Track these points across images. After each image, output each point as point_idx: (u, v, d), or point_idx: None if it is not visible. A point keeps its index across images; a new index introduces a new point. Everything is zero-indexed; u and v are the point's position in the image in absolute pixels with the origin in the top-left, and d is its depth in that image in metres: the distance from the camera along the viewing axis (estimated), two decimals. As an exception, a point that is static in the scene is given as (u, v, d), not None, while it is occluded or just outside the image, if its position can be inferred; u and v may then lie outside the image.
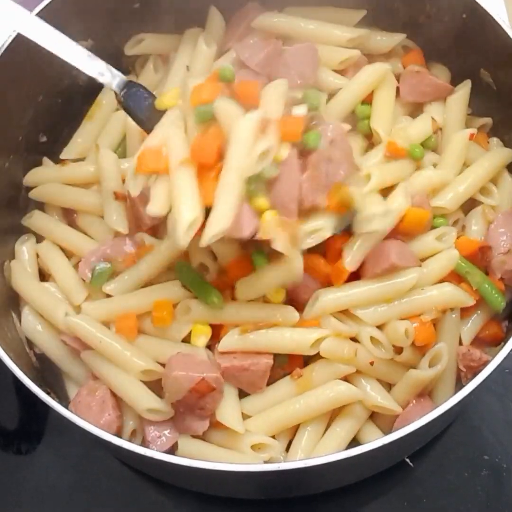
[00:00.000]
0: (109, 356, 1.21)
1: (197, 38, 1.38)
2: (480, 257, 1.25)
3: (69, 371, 1.29)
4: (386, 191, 1.24)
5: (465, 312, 1.23)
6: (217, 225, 1.06)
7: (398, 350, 1.20)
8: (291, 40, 1.38)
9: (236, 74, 1.27)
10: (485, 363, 1.07)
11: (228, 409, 1.18)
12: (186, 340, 1.22)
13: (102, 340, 1.21)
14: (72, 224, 1.37)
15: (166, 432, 1.19)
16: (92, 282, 1.27)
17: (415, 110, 1.39)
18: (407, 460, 1.32)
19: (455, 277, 1.23)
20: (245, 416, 1.19)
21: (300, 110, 1.15)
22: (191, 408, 1.16)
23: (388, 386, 1.23)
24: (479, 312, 1.25)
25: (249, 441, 1.16)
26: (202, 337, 1.20)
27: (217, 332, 1.22)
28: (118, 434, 1.20)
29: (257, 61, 1.33)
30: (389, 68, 1.35)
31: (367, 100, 1.34)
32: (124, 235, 1.30)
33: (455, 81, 1.40)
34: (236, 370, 1.18)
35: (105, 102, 1.44)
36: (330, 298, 1.19)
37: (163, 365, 1.20)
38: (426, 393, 1.22)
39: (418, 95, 1.38)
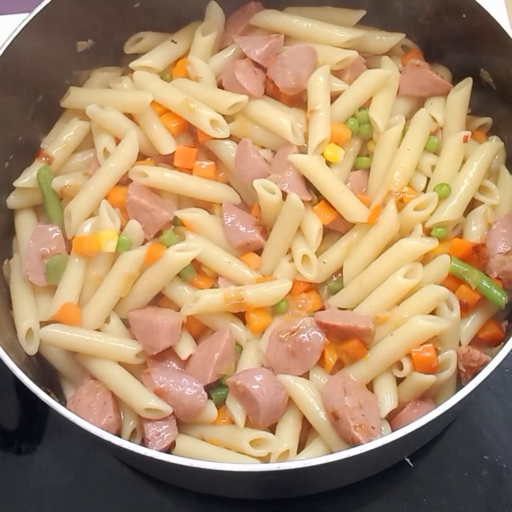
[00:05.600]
0: (100, 351, 1.21)
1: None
2: (475, 257, 1.25)
3: (65, 371, 1.29)
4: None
5: (464, 312, 1.23)
6: None
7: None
8: (290, 40, 1.39)
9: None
10: (485, 364, 1.08)
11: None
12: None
13: (88, 339, 1.22)
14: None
15: (165, 430, 1.19)
16: (50, 278, 1.27)
17: (416, 106, 1.39)
18: (407, 460, 1.32)
19: (453, 279, 1.23)
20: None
21: None
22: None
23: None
24: (478, 312, 1.25)
25: (248, 437, 1.16)
26: (111, 242, 1.23)
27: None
28: (118, 435, 1.20)
29: (259, 53, 1.34)
30: (390, 73, 1.35)
31: (367, 105, 1.34)
32: (41, 226, 1.31)
33: (456, 81, 1.40)
34: (139, 207, 1.25)
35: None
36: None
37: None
38: (429, 396, 1.22)
39: (417, 89, 1.38)
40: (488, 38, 1.29)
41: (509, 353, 1.07)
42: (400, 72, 1.39)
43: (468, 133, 1.32)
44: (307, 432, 1.22)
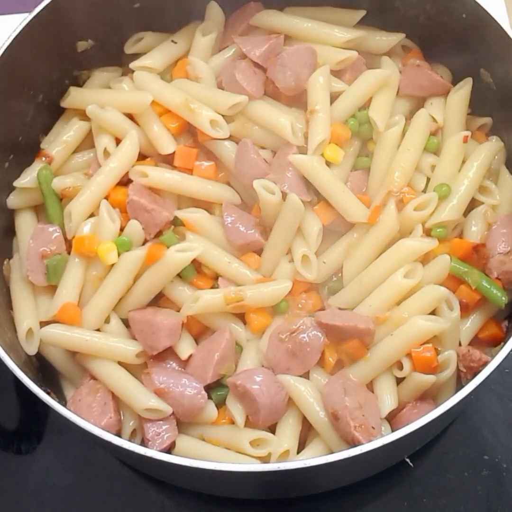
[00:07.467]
0: (100, 350, 1.21)
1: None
2: (475, 257, 1.25)
3: (65, 371, 1.29)
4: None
5: (464, 312, 1.23)
6: None
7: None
8: (290, 40, 1.39)
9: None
10: (485, 364, 1.07)
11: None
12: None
13: (88, 339, 1.22)
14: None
15: (165, 430, 1.19)
16: (50, 278, 1.27)
17: (416, 106, 1.39)
18: (407, 460, 1.32)
19: (453, 279, 1.23)
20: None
21: None
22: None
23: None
24: (478, 312, 1.25)
25: (248, 437, 1.16)
26: (111, 253, 1.23)
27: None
28: (118, 435, 1.20)
29: (259, 53, 1.34)
30: (390, 73, 1.35)
31: (367, 105, 1.34)
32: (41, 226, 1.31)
33: (455, 81, 1.40)
34: (139, 207, 1.25)
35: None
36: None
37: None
38: (429, 396, 1.22)
39: (417, 89, 1.38)
40: (488, 38, 1.29)
41: (509, 353, 1.07)
42: (400, 72, 1.39)
43: (468, 133, 1.32)
44: (307, 432, 1.22)
